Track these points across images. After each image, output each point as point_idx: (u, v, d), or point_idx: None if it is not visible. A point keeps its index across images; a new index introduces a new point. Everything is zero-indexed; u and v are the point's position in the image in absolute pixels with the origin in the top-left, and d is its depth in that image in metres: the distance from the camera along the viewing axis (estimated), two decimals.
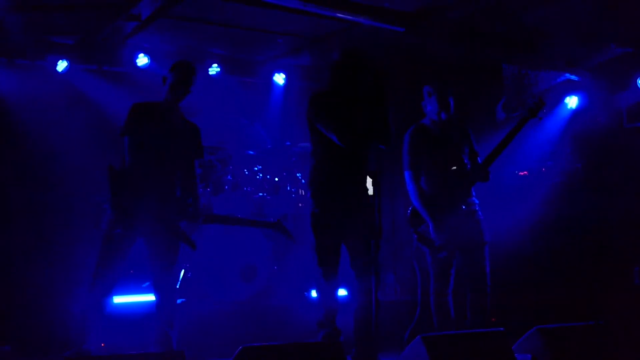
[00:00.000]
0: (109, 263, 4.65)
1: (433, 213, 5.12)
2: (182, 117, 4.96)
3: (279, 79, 8.15)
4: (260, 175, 7.17)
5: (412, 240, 5.31)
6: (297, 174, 7.17)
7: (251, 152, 7.42)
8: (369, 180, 4.70)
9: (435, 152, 5.25)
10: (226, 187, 6.95)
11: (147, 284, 5.96)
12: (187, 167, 4.91)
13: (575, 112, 7.46)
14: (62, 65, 7.10)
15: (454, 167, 5.26)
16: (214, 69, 7.74)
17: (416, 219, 5.23)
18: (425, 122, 5.35)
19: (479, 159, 5.37)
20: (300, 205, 7.16)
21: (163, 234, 4.76)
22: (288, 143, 7.28)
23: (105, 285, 4.68)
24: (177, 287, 6.34)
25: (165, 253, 4.80)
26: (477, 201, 5.31)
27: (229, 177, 7.01)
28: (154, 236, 4.77)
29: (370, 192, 4.74)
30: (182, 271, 6.47)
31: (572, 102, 7.51)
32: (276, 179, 7.22)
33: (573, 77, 7.39)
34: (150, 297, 5.21)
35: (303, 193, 7.25)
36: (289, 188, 7.21)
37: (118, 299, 6.28)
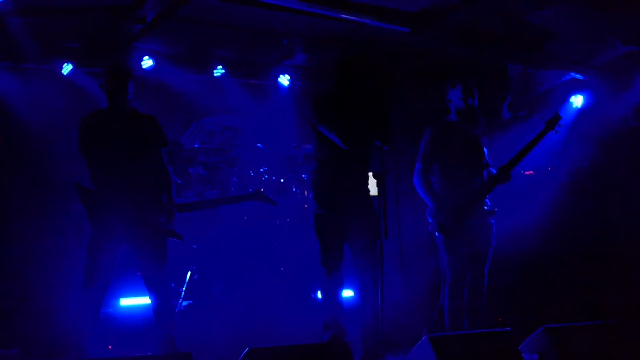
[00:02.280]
0: (97, 275, 4.62)
1: (435, 196, 5.15)
2: (134, 114, 4.87)
3: (284, 80, 8.14)
4: (266, 176, 7.18)
5: (433, 244, 5.32)
6: (303, 175, 7.17)
7: (260, 145, 7.41)
8: (372, 181, 4.71)
9: (458, 148, 5.26)
10: (232, 188, 6.95)
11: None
12: (155, 159, 4.87)
13: (581, 111, 7.43)
14: (67, 69, 7.12)
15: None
16: (218, 71, 7.74)
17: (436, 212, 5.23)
18: (450, 119, 5.36)
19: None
20: (305, 206, 7.16)
21: (146, 236, 4.72)
22: (294, 144, 7.29)
23: (96, 298, 4.65)
24: (184, 289, 6.37)
25: (153, 254, 4.75)
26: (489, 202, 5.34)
27: (234, 178, 7.01)
28: (138, 240, 4.72)
29: (373, 193, 4.75)
30: (189, 273, 6.48)
31: (577, 101, 7.47)
32: (282, 180, 7.22)
33: (578, 76, 7.36)
34: None
35: (307, 194, 7.25)
36: (294, 189, 7.21)
37: (125, 301, 6.30)
